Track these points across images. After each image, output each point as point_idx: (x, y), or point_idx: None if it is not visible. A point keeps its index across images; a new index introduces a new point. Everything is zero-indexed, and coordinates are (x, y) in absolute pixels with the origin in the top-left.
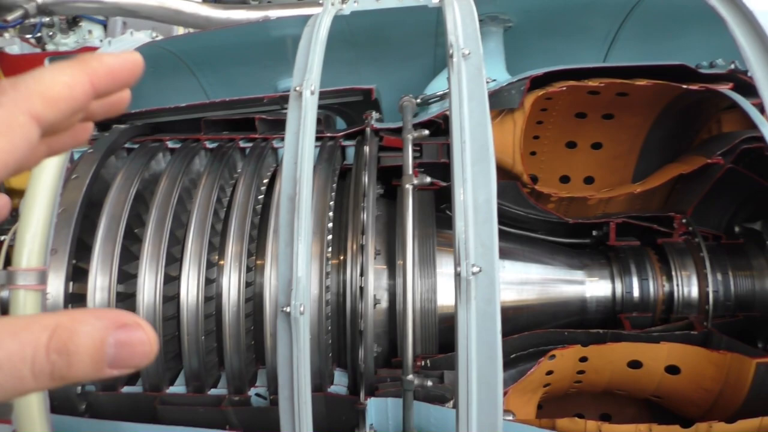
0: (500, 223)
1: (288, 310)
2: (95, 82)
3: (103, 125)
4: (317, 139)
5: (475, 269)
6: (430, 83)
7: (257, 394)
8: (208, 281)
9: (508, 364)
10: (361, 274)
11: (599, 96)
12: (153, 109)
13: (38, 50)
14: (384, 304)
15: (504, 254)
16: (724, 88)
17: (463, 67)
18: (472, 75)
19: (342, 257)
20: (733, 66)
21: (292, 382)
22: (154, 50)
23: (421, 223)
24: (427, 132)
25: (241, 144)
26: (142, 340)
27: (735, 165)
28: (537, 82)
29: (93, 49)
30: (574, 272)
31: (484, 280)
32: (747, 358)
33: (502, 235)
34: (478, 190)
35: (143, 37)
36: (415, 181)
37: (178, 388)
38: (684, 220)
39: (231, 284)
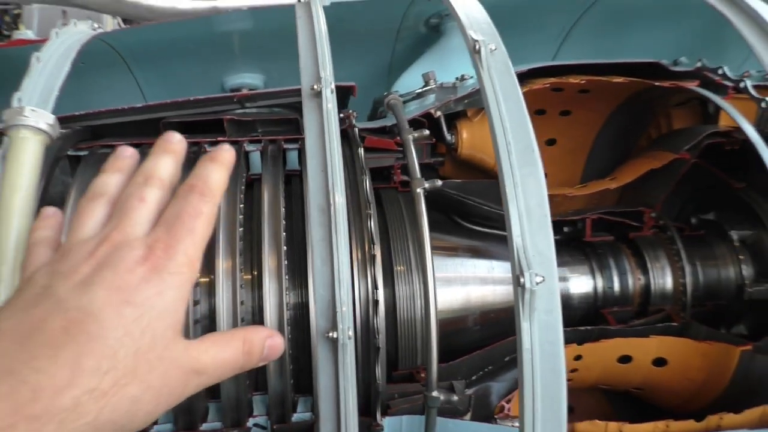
0: (470, 222)
1: (334, 335)
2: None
3: None
4: (294, 140)
5: (539, 279)
6: (400, 80)
7: (256, 425)
8: (195, 302)
9: (502, 368)
10: (376, 287)
11: (562, 93)
12: (99, 111)
13: None
14: (381, 314)
15: (491, 255)
16: (692, 85)
17: (492, 64)
18: (502, 72)
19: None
20: (699, 64)
21: (338, 416)
22: (92, 44)
23: (411, 225)
24: (428, 132)
25: (208, 148)
26: (279, 343)
27: (700, 160)
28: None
29: (26, 42)
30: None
31: (545, 290)
32: (732, 346)
33: (477, 236)
34: (529, 194)
35: (84, 28)
36: (427, 185)
37: (163, 426)
38: (653, 214)
39: (224, 302)
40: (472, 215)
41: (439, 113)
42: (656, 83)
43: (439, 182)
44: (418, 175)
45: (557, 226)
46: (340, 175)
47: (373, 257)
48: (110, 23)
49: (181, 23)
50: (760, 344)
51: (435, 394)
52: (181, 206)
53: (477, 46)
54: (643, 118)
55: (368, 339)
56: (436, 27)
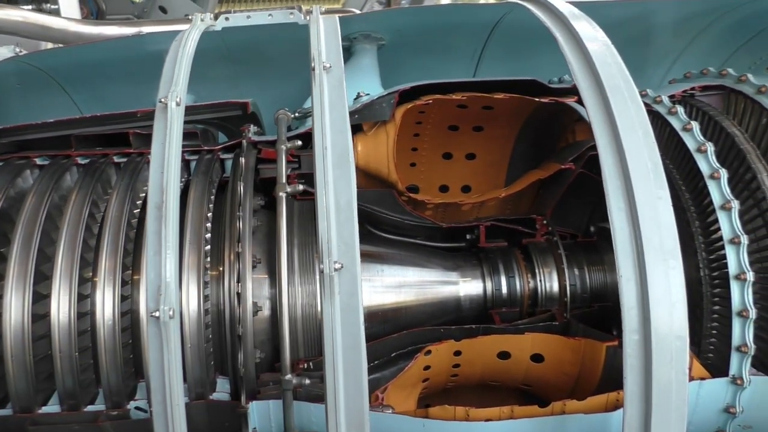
0: (381, 230)
1: (157, 314)
2: None
3: None
4: (195, 152)
5: (337, 266)
6: (309, 98)
7: (137, 408)
8: (81, 297)
9: (389, 363)
10: (239, 281)
11: (467, 109)
12: (18, 126)
13: None
14: (266, 311)
15: (383, 259)
16: (570, 101)
17: (324, 80)
18: (333, 86)
19: (221, 267)
20: None
21: (164, 387)
22: (19, 66)
23: (302, 230)
24: (300, 143)
25: (116, 159)
26: None
27: (585, 170)
28: (406, 96)
29: None
30: (448, 273)
31: (346, 275)
32: (598, 342)
33: (382, 242)
34: (339, 192)
35: (5, 52)
36: (288, 189)
37: (51, 407)
38: (544, 221)
39: (105, 299)
40: (382, 224)
41: None
42: (536, 99)
43: (301, 186)
44: (284, 180)
45: (460, 232)
46: (175, 177)
47: (238, 255)
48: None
49: (108, 44)
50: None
51: (288, 377)
52: None
53: (312, 64)
54: (552, 132)
55: (233, 329)
56: (348, 48)
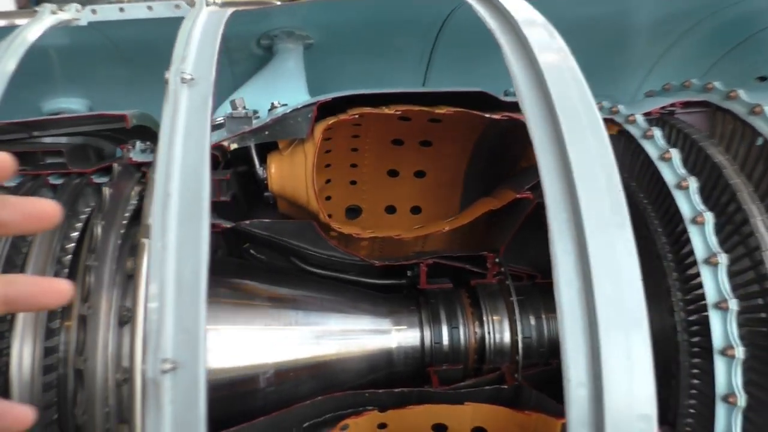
0: (313, 265)
1: None
2: None
3: None
4: (62, 175)
5: (167, 366)
6: (221, 107)
7: None
8: None
9: None
10: (80, 354)
11: (411, 122)
12: None
13: None
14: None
15: (297, 304)
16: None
17: (183, 96)
18: (195, 107)
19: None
20: None
21: None
22: None
23: None
24: None
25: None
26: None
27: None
28: (329, 108)
29: None
30: (379, 321)
31: (183, 378)
32: (552, 418)
33: (296, 281)
34: (184, 259)
35: None
36: None
37: None
38: (497, 260)
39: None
40: (302, 258)
41: (234, 146)
42: (486, 114)
43: None
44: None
45: (401, 270)
46: None
47: (84, 318)
48: None
49: None
50: None
51: None
52: None
53: (166, 75)
54: (512, 150)
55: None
56: (269, 48)
